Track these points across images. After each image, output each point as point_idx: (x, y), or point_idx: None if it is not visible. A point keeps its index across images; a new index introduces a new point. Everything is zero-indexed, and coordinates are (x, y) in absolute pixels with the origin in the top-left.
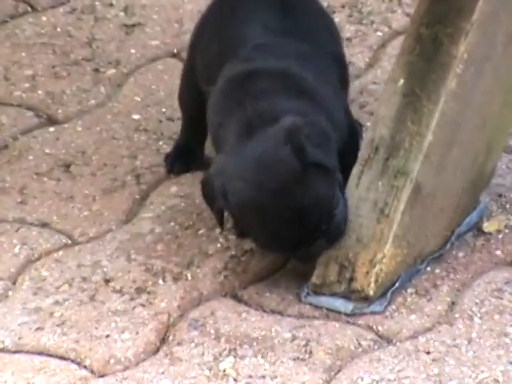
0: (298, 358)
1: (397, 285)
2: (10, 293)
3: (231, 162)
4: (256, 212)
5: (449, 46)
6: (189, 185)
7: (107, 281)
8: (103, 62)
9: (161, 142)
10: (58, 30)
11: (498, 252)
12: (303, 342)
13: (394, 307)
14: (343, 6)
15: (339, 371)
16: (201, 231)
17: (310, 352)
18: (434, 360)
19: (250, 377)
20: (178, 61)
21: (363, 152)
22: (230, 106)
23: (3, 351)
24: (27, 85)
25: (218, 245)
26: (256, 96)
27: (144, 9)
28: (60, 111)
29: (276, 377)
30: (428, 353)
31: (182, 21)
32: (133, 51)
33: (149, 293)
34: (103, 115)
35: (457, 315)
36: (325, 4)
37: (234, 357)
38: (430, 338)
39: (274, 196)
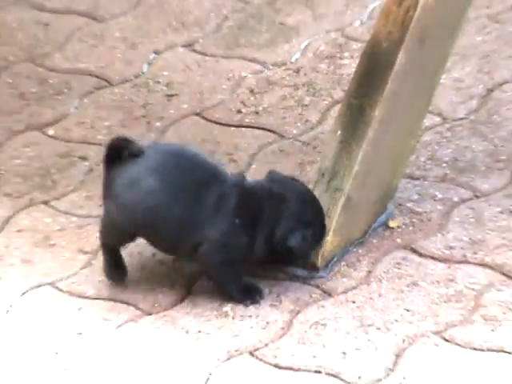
0: (273, 305)
1: (335, 259)
2: None
3: None
4: None
5: (369, 111)
6: None
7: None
8: (153, 118)
9: None
10: (125, 97)
11: (398, 240)
12: (276, 295)
13: (333, 273)
14: (303, 85)
15: (298, 313)
16: None
17: (280, 301)
18: (357, 307)
19: (242, 316)
20: (200, 118)
21: (314, 177)
22: None
23: None
24: (105, 131)
25: None
26: None
27: (179, 84)
28: None
29: (258, 316)
30: (354, 302)
31: (203, 92)
32: (171, 111)
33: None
34: None
35: (372, 279)
36: (291, 83)
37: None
38: (355, 293)
39: None
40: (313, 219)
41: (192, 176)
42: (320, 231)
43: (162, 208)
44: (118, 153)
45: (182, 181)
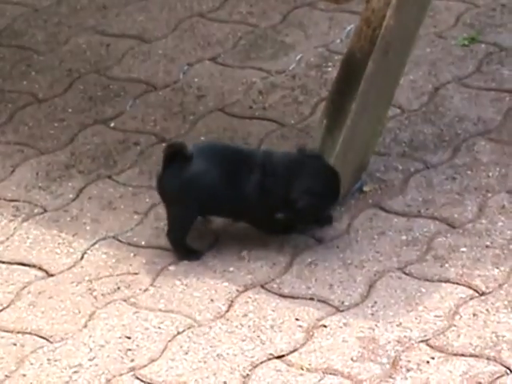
0: (278, 250)
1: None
2: None
3: None
4: None
5: (347, 106)
6: None
7: None
8: (187, 113)
9: None
10: (166, 98)
11: (370, 201)
12: (279, 243)
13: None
14: (298, 87)
15: (297, 256)
16: None
17: (283, 247)
18: (340, 250)
19: (254, 258)
20: (222, 113)
21: None
22: None
23: None
24: (152, 124)
25: None
26: None
27: (206, 88)
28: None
29: (267, 258)
30: (338, 247)
31: (224, 93)
32: (201, 108)
33: None
34: None
35: (351, 230)
36: (289, 86)
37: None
38: (338, 240)
39: None
40: (322, 189)
41: (234, 160)
42: (327, 200)
43: (222, 187)
44: (174, 154)
45: (229, 165)
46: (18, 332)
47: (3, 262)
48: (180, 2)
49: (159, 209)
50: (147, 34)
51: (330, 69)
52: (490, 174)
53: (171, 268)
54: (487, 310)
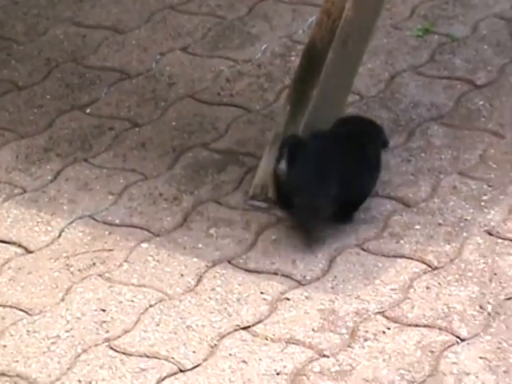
0: (243, 228)
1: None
2: None
3: None
4: None
5: (309, 92)
6: None
7: None
8: (159, 100)
9: None
10: (140, 85)
11: None
12: (245, 221)
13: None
14: (263, 75)
15: (261, 233)
16: None
17: (249, 225)
18: (301, 229)
19: (222, 236)
20: (192, 99)
21: (271, 139)
22: None
23: None
24: (126, 110)
25: None
26: None
27: (177, 76)
28: None
29: (234, 235)
30: (299, 226)
31: (194, 81)
32: (172, 95)
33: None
34: None
35: None
36: (255, 74)
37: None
38: None
39: None
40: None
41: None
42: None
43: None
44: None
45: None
46: None
47: None
48: None
49: (132, 189)
50: (121, 25)
51: (293, 58)
52: (443, 157)
53: (143, 245)
54: (439, 283)
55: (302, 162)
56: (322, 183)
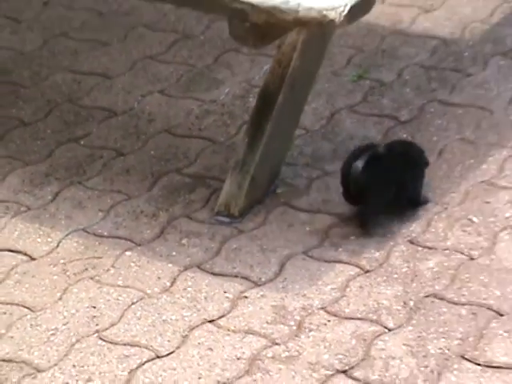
0: (209, 238)
1: (246, 212)
2: None
3: None
4: None
5: (264, 126)
6: None
7: None
8: (141, 133)
9: None
10: (124, 122)
11: (282, 199)
12: (211, 233)
13: (245, 220)
14: (227, 113)
15: (224, 243)
16: None
17: (214, 236)
18: (258, 239)
19: (192, 245)
20: (167, 133)
21: (232, 166)
22: None
23: None
24: (113, 142)
25: None
26: None
27: (155, 114)
28: None
29: (201, 245)
30: (256, 236)
31: (170, 118)
32: (151, 129)
33: None
34: None
35: (266, 222)
36: (220, 112)
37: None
38: (257, 230)
39: None
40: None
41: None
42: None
43: None
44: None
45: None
46: (8, 304)
47: None
48: (135, 47)
49: (118, 208)
50: (110, 72)
51: (251, 99)
52: None
53: (127, 253)
54: (370, 283)
55: (377, 168)
56: (388, 188)
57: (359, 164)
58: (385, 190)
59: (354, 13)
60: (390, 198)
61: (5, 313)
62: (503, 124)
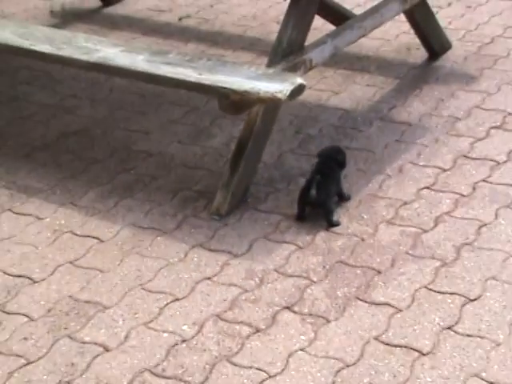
0: (207, 228)
1: (226, 214)
2: None
3: None
4: None
5: (239, 164)
6: None
7: None
8: None
9: None
10: None
11: (251, 206)
12: (212, 229)
13: (223, 219)
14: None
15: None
16: None
17: (210, 226)
18: (229, 236)
19: (170, 245)
20: None
21: (220, 185)
22: None
23: None
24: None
25: None
26: None
27: None
28: None
29: (182, 242)
30: (231, 231)
31: None
32: None
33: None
34: None
35: (241, 222)
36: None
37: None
38: (228, 228)
39: None
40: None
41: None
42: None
43: None
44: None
45: None
46: (86, 268)
47: None
48: (163, 115)
49: (153, 211)
50: (148, 130)
51: (232, 146)
52: None
53: (158, 238)
54: (303, 255)
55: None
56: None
57: (313, 191)
58: (332, 194)
59: (293, 94)
60: (335, 196)
61: (85, 273)
62: (381, 160)
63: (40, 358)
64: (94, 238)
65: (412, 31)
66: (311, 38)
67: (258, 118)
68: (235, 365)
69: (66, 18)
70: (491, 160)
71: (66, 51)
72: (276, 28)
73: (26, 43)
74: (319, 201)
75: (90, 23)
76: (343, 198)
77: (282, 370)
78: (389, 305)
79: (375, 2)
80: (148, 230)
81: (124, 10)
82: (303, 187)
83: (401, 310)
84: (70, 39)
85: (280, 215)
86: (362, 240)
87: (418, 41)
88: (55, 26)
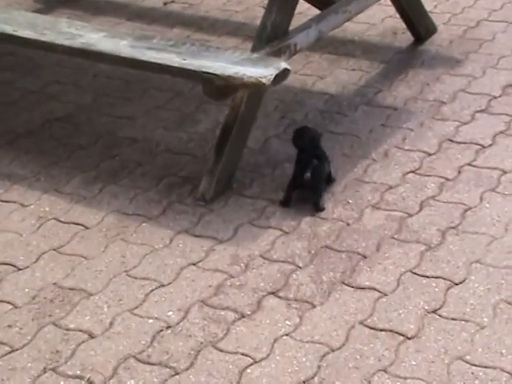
0: (192, 214)
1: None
2: None
3: None
4: None
5: (223, 150)
6: None
7: None
8: None
9: None
10: None
11: (235, 191)
12: (198, 214)
13: (210, 204)
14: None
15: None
16: None
17: (195, 212)
18: (213, 221)
19: (155, 231)
20: None
21: (205, 171)
22: None
23: None
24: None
25: None
26: None
27: None
28: None
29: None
30: (215, 216)
31: None
32: None
33: None
34: None
35: (226, 208)
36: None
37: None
38: (214, 214)
39: None
40: None
41: None
42: None
43: None
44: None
45: None
46: (71, 255)
47: None
48: (148, 101)
49: (138, 197)
50: (133, 116)
51: (217, 131)
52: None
53: (144, 224)
54: (288, 240)
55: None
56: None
57: (308, 174)
58: (324, 177)
59: (278, 79)
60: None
61: (69, 260)
62: (366, 144)
63: (24, 346)
64: (78, 224)
65: (397, 15)
66: (296, 22)
67: (243, 104)
68: (220, 350)
69: (49, 4)
70: (476, 144)
71: (49, 37)
72: (261, 13)
73: (8, 29)
74: (313, 184)
75: (74, 8)
76: (331, 180)
77: (268, 355)
78: (374, 289)
79: None
80: (133, 217)
81: None
82: (296, 170)
83: (386, 295)
84: (53, 24)
85: (265, 200)
86: (348, 225)
87: (403, 25)
88: (39, 11)
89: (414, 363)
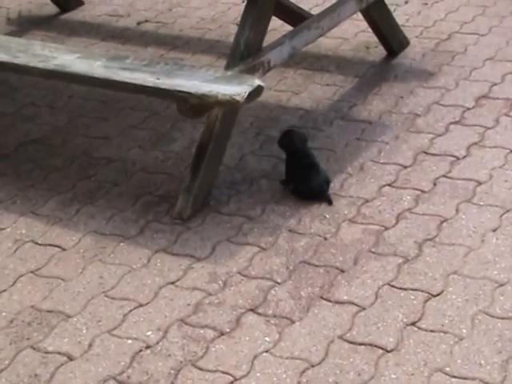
0: (170, 233)
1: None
2: None
3: None
4: None
5: (200, 167)
6: None
7: None
8: None
9: None
10: None
11: (213, 208)
12: (175, 233)
13: (188, 221)
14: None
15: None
16: None
17: (173, 230)
18: (199, 233)
19: (145, 243)
20: None
21: (181, 189)
22: None
23: None
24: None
25: None
26: None
27: None
28: None
29: (154, 240)
30: (198, 231)
31: None
32: None
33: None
34: None
35: (207, 220)
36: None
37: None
38: (198, 228)
39: None
40: None
41: None
42: None
43: None
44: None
45: None
46: (49, 277)
47: None
48: (123, 119)
49: (115, 217)
50: (108, 136)
51: (193, 149)
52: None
53: (121, 244)
54: (266, 256)
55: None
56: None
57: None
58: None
59: (252, 96)
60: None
61: (47, 283)
62: (342, 158)
63: (2, 370)
64: (55, 246)
65: (370, 30)
66: (269, 39)
67: (218, 121)
68: (200, 369)
69: (23, 26)
70: (451, 155)
71: (23, 59)
72: (235, 30)
73: None
74: (322, 188)
75: (48, 30)
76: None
77: (248, 372)
78: (352, 303)
79: (333, 2)
80: (110, 237)
81: (82, 16)
82: (298, 177)
83: (364, 308)
84: (27, 47)
85: (242, 217)
86: (325, 239)
87: (376, 39)
88: (12, 33)
89: (393, 376)
